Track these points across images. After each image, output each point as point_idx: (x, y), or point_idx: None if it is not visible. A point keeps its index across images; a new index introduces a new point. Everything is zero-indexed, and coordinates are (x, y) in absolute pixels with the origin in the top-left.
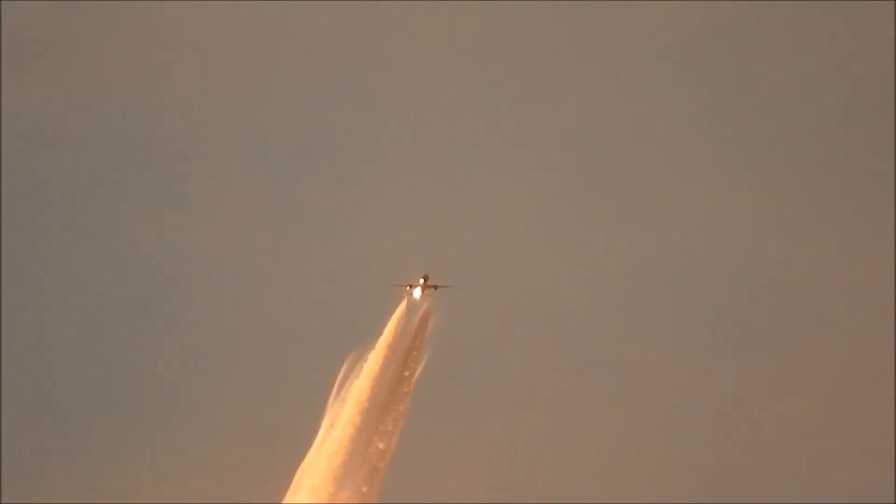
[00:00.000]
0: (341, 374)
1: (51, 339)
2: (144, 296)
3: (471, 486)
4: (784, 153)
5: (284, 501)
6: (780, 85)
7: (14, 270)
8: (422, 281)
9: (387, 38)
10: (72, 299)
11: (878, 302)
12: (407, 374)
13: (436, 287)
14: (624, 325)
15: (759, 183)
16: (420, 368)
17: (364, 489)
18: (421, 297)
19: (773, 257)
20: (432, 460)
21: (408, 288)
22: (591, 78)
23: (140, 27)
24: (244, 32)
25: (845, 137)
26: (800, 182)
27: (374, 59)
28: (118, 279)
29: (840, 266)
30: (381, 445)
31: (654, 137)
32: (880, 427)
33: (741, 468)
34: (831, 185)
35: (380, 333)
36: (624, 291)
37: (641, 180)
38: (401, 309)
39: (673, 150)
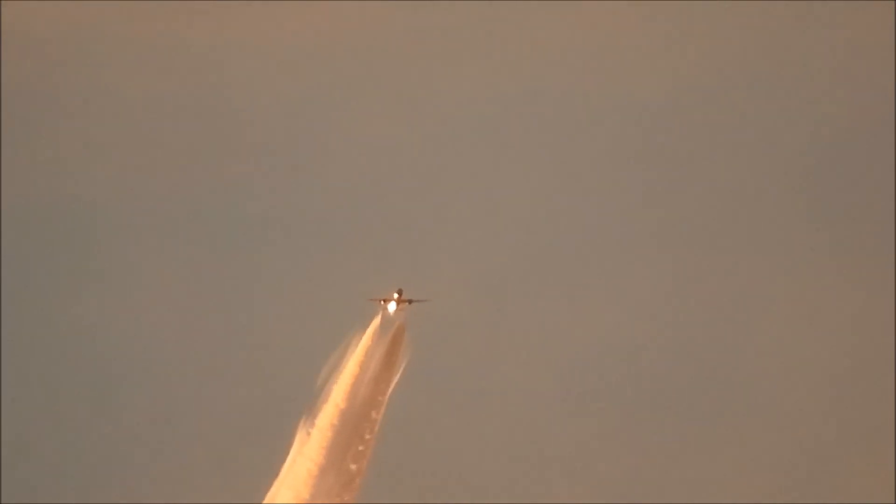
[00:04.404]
0: (315, 388)
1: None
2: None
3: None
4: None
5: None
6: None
7: None
8: (396, 295)
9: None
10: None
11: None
12: (381, 387)
13: (410, 301)
14: (604, 336)
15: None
16: (395, 382)
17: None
18: (395, 311)
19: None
20: (407, 474)
21: (382, 302)
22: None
23: (80, 100)
24: (190, 99)
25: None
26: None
27: (349, 79)
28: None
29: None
30: (353, 463)
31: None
32: (880, 428)
33: (740, 468)
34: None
35: (355, 347)
36: (602, 303)
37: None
38: (375, 323)
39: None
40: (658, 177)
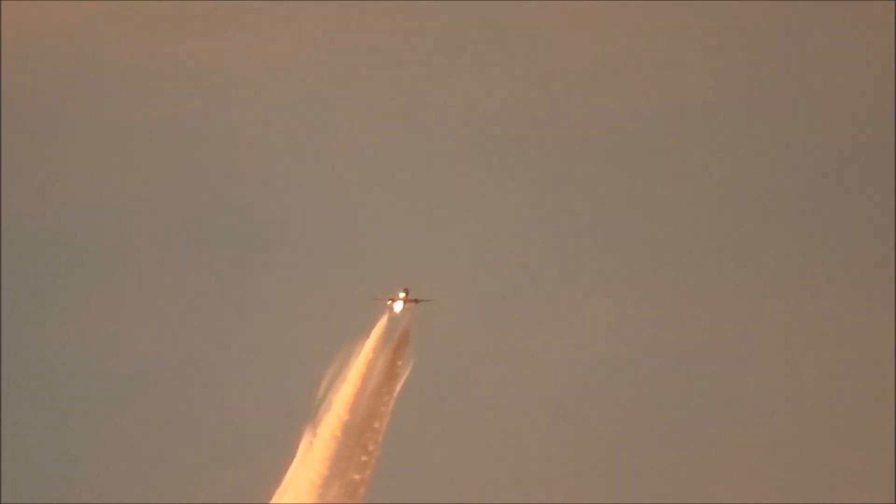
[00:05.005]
0: (321, 388)
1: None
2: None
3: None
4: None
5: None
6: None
7: None
8: (402, 295)
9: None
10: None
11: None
12: (385, 398)
13: (416, 301)
14: (613, 339)
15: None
16: (401, 383)
17: None
18: (402, 311)
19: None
20: (412, 477)
21: (389, 302)
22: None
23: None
24: (180, 113)
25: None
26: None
27: (354, 81)
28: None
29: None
30: (357, 473)
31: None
32: (880, 428)
33: (740, 468)
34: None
35: (359, 352)
36: (610, 305)
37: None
38: (380, 326)
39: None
40: (661, 178)
